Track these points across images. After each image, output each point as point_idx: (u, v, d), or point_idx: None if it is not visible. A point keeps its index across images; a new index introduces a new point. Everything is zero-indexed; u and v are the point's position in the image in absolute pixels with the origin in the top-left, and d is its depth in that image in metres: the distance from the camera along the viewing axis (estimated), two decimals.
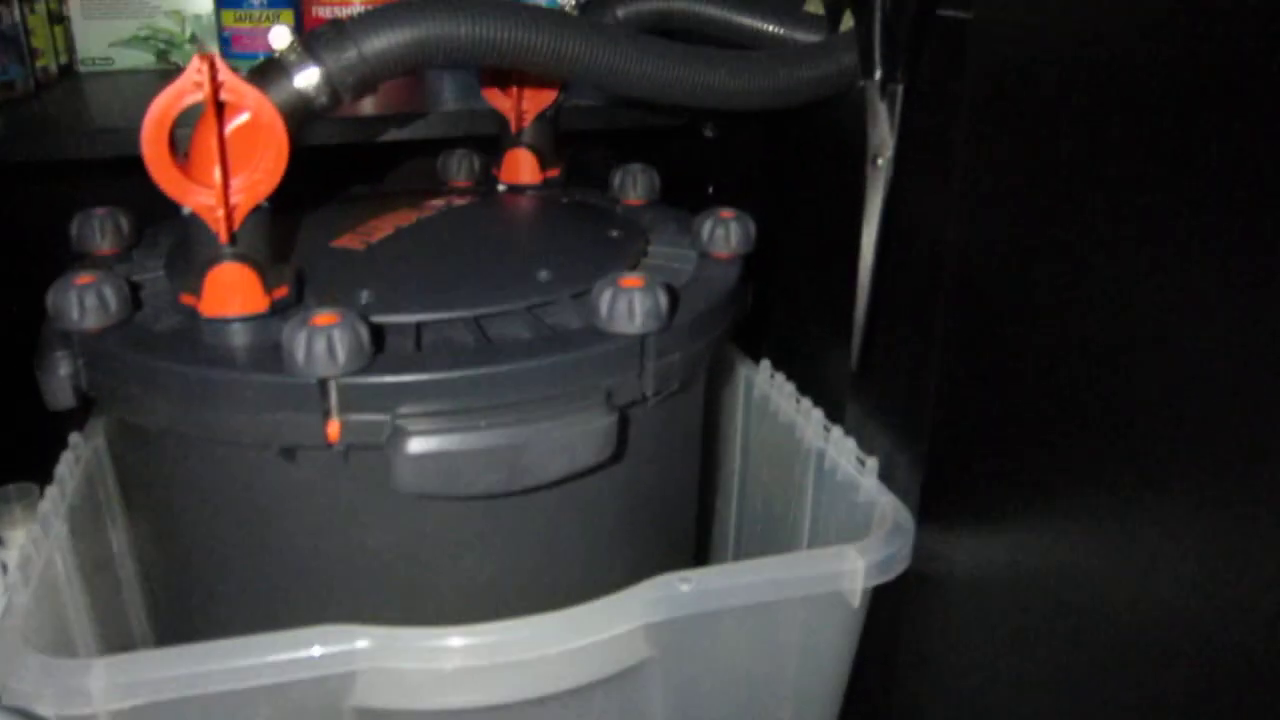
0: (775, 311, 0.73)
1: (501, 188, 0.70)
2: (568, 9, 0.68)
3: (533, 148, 0.68)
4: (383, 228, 0.58)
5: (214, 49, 0.94)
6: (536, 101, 0.67)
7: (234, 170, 0.45)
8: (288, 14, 0.90)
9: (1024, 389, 0.45)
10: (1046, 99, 0.42)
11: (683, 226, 0.64)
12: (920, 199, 0.53)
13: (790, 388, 0.68)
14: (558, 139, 0.70)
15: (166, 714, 0.45)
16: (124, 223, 0.60)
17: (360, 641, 0.46)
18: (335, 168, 0.71)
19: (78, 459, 0.60)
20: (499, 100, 0.67)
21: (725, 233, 0.59)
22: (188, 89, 0.43)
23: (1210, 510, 0.35)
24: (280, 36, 0.46)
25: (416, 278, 0.53)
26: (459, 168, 0.73)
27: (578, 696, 0.51)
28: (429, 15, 0.47)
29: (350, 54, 0.46)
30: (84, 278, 0.49)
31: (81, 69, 0.94)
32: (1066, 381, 0.42)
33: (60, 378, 0.50)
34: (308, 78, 0.46)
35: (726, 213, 0.60)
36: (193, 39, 0.95)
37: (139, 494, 0.56)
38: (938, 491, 0.54)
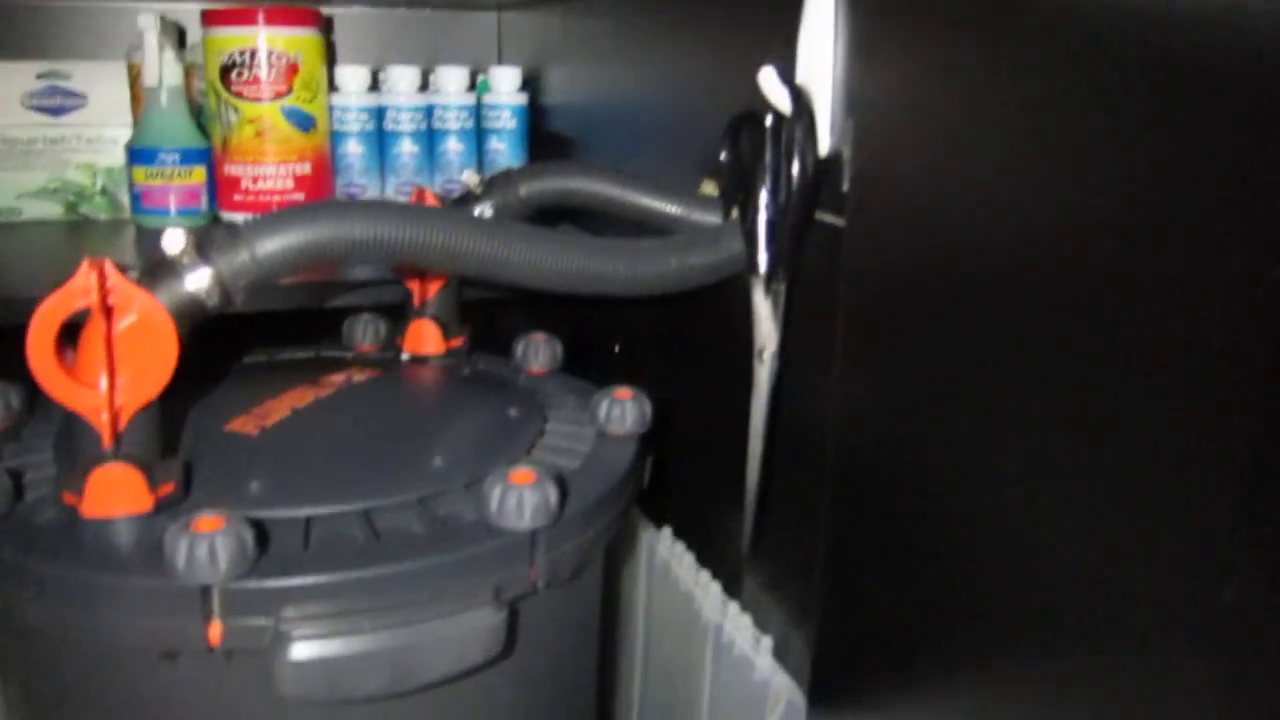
0: (676, 477, 0.75)
1: (405, 357, 0.70)
2: (473, 186, 0.70)
3: (436, 319, 0.69)
4: (279, 409, 0.58)
5: (125, 200, 0.94)
6: (439, 275, 0.69)
7: (121, 371, 0.45)
8: (200, 170, 0.91)
9: (904, 574, 0.46)
10: (912, 298, 0.44)
11: (582, 400, 0.65)
12: (805, 389, 0.55)
13: (690, 558, 0.68)
14: (461, 307, 0.72)
15: None
16: (14, 399, 0.60)
17: None
18: (233, 330, 0.72)
19: None
20: (403, 273, 0.68)
21: (621, 413, 0.60)
22: (76, 295, 0.43)
23: (1092, 693, 0.36)
24: (173, 239, 0.47)
25: (308, 467, 0.53)
26: (364, 333, 0.73)
27: None
28: (322, 219, 0.48)
29: (243, 257, 0.47)
30: None
31: None
32: (941, 569, 0.43)
33: None
34: (199, 280, 0.47)
35: (622, 392, 0.61)
36: (103, 191, 0.95)
37: (14, 688, 0.54)
38: (826, 673, 0.55)
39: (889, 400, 0.47)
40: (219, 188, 0.92)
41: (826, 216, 0.52)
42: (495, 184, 0.70)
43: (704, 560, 0.68)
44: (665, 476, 0.74)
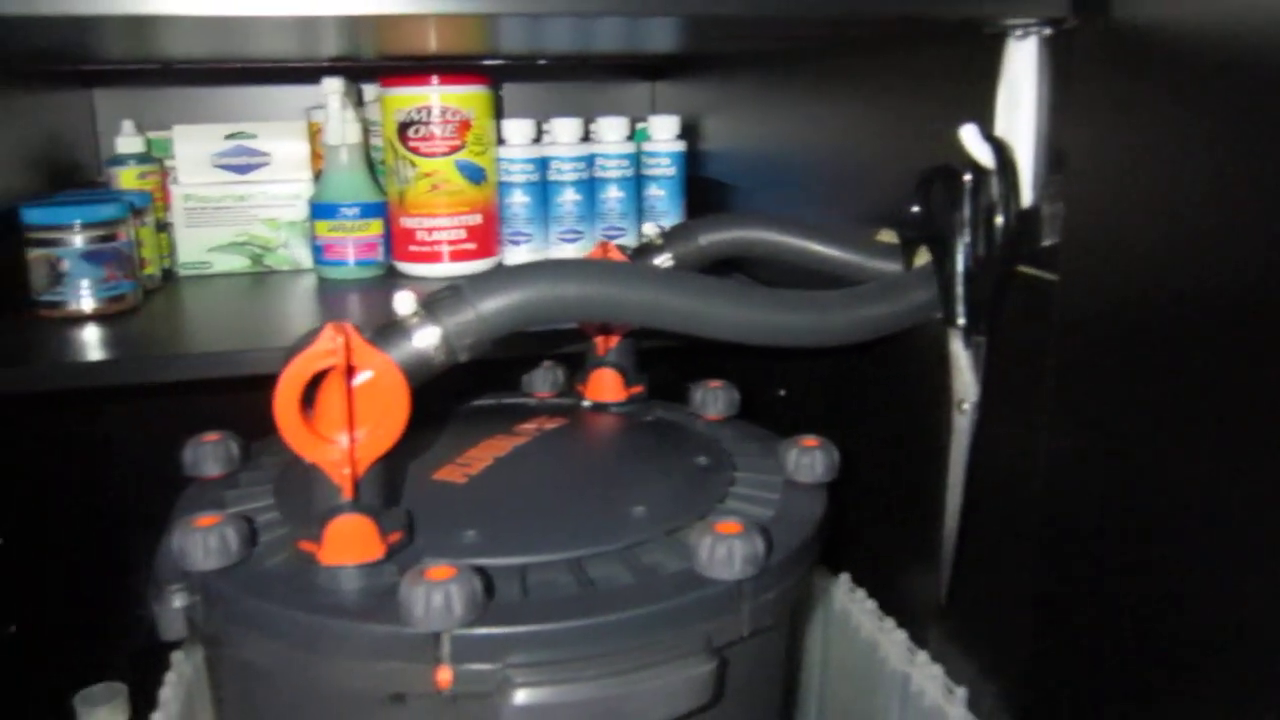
0: (854, 526, 0.75)
1: (586, 404, 0.72)
2: (653, 237, 0.71)
3: (617, 367, 0.71)
4: (481, 458, 0.60)
5: (305, 253, 0.99)
6: (621, 325, 0.70)
7: (358, 426, 0.48)
8: (377, 223, 0.96)
9: (1120, 628, 0.46)
10: (1129, 349, 0.44)
11: (764, 448, 0.65)
12: (1005, 439, 0.54)
13: (872, 605, 0.68)
14: (639, 356, 0.73)
15: None
16: (233, 448, 0.64)
17: None
18: None
19: (180, 679, 0.61)
20: (587, 325, 0.70)
21: (811, 462, 0.61)
22: (322, 355, 0.46)
23: None
24: (404, 301, 0.49)
25: (517, 516, 0.55)
26: (544, 381, 0.76)
27: None
28: (538, 280, 0.50)
29: (468, 316, 0.49)
30: (206, 519, 0.51)
31: (181, 273, 0.99)
32: (1161, 623, 0.43)
33: (175, 610, 0.52)
34: (427, 338, 0.49)
35: (810, 441, 0.62)
36: (286, 245, 1.00)
37: None
38: None
39: (1104, 450, 0.47)
40: (394, 239, 0.96)
41: (1030, 270, 0.52)
42: (675, 234, 0.71)
43: (886, 608, 0.68)
44: (841, 524, 0.74)
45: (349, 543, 0.49)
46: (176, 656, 0.63)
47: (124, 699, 0.78)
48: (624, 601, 0.49)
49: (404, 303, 0.49)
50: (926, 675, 0.62)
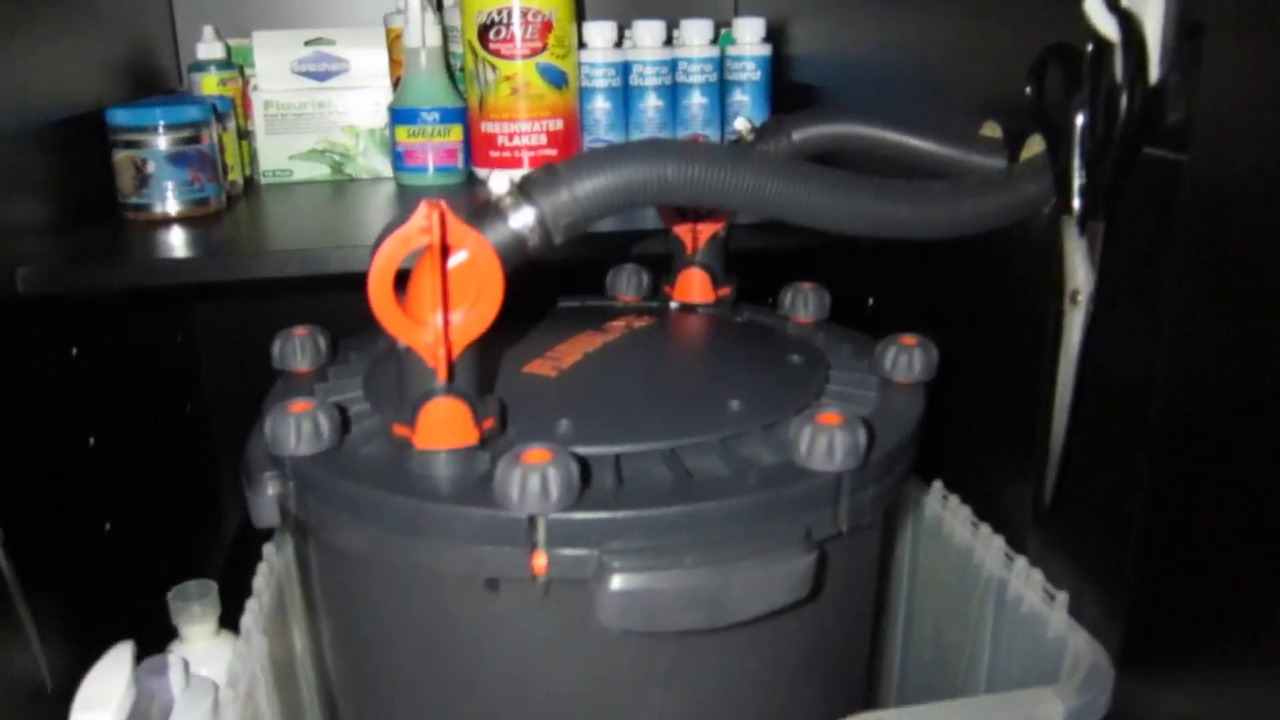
0: (946, 432, 0.73)
1: (674, 305, 0.71)
2: (744, 133, 0.69)
3: (706, 268, 0.70)
4: (571, 353, 0.59)
5: (384, 160, 0.98)
6: (711, 224, 0.69)
7: (452, 308, 0.47)
8: (457, 129, 0.94)
9: (1245, 537, 0.43)
10: (1275, 239, 0.41)
11: (858, 349, 0.64)
12: (1122, 336, 0.52)
13: (966, 512, 0.67)
14: (728, 258, 0.72)
15: None
16: (322, 342, 0.63)
17: None
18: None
19: (271, 570, 0.62)
20: (676, 224, 0.69)
21: (909, 360, 0.59)
22: (414, 235, 0.45)
23: None
24: (500, 182, 0.48)
25: (610, 407, 0.54)
26: (628, 284, 0.74)
27: None
28: (636, 160, 0.48)
29: (563, 197, 0.48)
30: (299, 405, 0.51)
31: (262, 180, 0.99)
32: None
33: (268, 498, 0.53)
34: (523, 219, 0.48)
35: (908, 339, 0.60)
36: (365, 152, 1.00)
37: (334, 611, 0.58)
38: (1141, 636, 0.52)
39: (1235, 343, 0.44)
40: (474, 145, 0.95)
41: (1157, 151, 0.49)
42: (767, 130, 0.69)
43: (980, 516, 0.66)
44: (932, 430, 0.72)
45: (443, 427, 0.48)
46: (267, 549, 0.63)
47: (215, 595, 0.79)
48: (722, 491, 0.47)
49: (499, 183, 0.48)
50: (1025, 581, 0.60)
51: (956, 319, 0.72)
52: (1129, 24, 0.48)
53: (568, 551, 0.46)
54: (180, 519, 1.03)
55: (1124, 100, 0.48)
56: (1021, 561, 0.61)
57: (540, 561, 0.46)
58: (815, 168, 0.53)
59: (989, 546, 0.63)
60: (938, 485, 0.70)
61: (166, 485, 1.00)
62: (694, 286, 0.70)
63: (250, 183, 0.99)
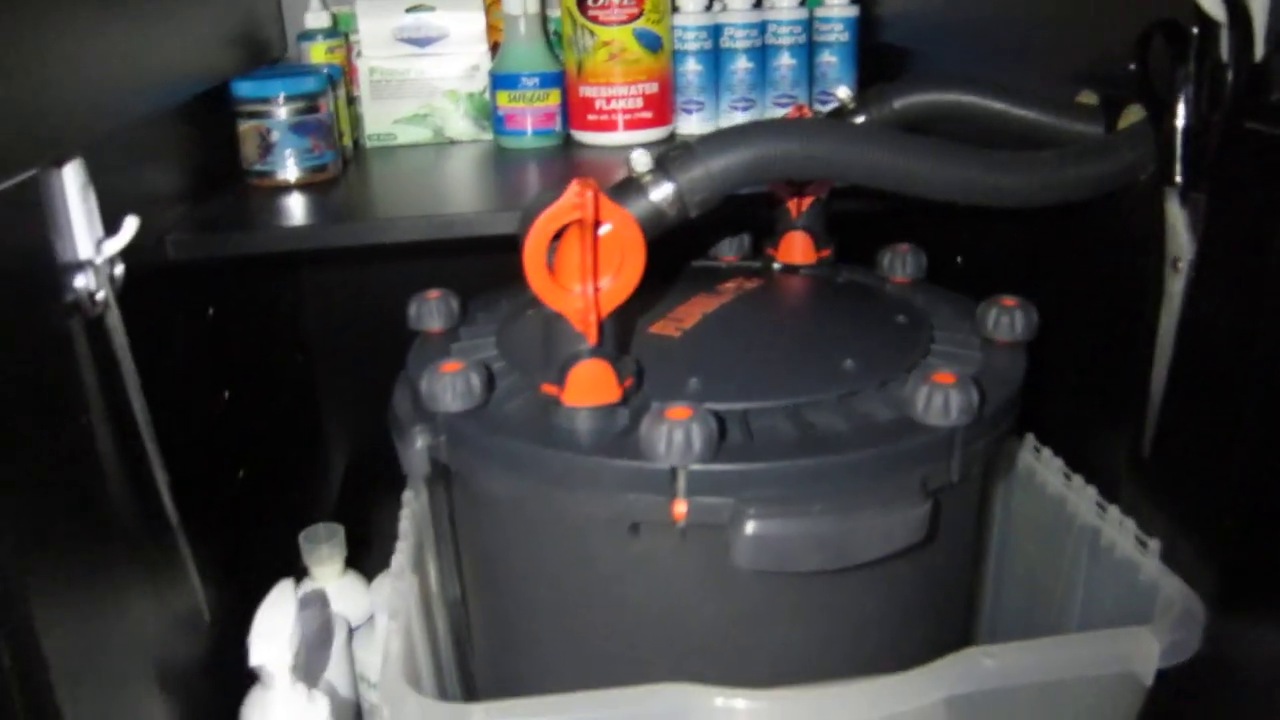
0: (1038, 389, 0.76)
1: (777, 266, 0.74)
2: (846, 101, 0.72)
3: (809, 230, 0.73)
4: (691, 314, 0.63)
5: (483, 124, 1.02)
6: (815, 189, 0.72)
7: (598, 277, 0.51)
8: (555, 93, 0.98)
9: None
10: None
11: (958, 310, 0.67)
12: (1225, 299, 0.55)
13: (1059, 464, 0.70)
14: (828, 221, 0.75)
15: None
16: (454, 304, 0.68)
17: (689, 700, 0.50)
18: None
19: (413, 515, 0.67)
20: (781, 188, 0.72)
21: (1010, 321, 0.62)
22: (567, 210, 0.49)
23: None
24: (640, 159, 0.52)
25: (734, 366, 0.58)
26: (730, 246, 0.78)
27: None
28: (766, 139, 0.52)
29: (699, 172, 0.52)
30: (451, 366, 0.56)
31: (367, 144, 1.04)
32: None
33: (419, 450, 0.57)
34: (662, 193, 0.52)
35: (1009, 300, 0.63)
36: (465, 115, 1.04)
37: (478, 554, 0.63)
38: (1236, 581, 0.56)
39: None
40: (572, 109, 0.98)
41: (1259, 126, 0.52)
42: (869, 98, 0.72)
43: (1075, 466, 0.69)
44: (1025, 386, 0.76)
45: (590, 386, 0.52)
46: (407, 496, 0.69)
47: (341, 537, 0.85)
48: (845, 444, 0.52)
49: (640, 161, 0.52)
50: (1118, 528, 0.63)
51: (1046, 278, 0.75)
52: (1236, 6, 0.51)
53: (705, 499, 0.50)
54: (296, 468, 1.10)
55: (1230, 77, 0.51)
56: (1114, 510, 0.64)
57: (680, 509, 0.51)
58: (927, 141, 0.57)
59: (1082, 496, 0.66)
60: (1030, 438, 0.73)
61: (285, 436, 1.06)
62: (797, 248, 0.73)
63: (356, 147, 1.03)
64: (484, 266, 0.87)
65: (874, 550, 0.51)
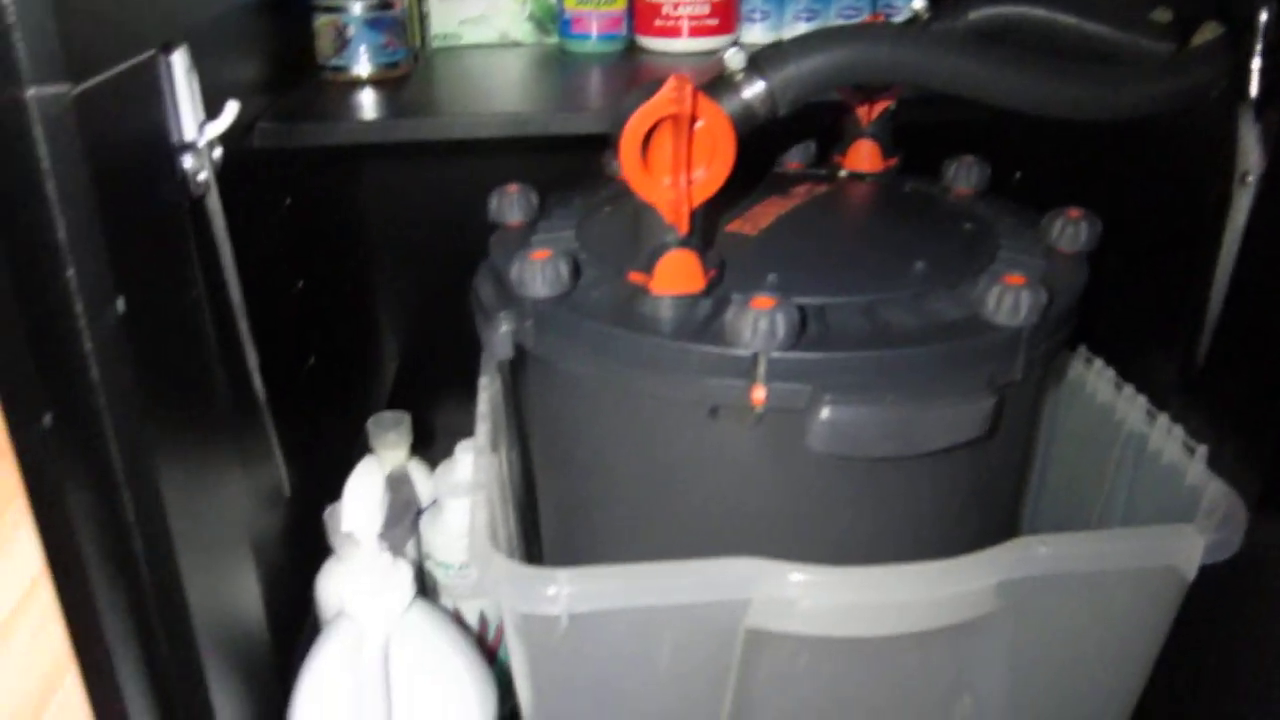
0: (1091, 299, 0.78)
1: (843, 174, 0.76)
2: (920, 11, 0.73)
3: (876, 138, 0.75)
4: (766, 215, 0.66)
5: (547, 28, 1.04)
6: (884, 99, 0.74)
7: (690, 170, 0.53)
8: None
9: None
10: None
11: (1022, 221, 0.69)
12: None
13: (1111, 372, 0.72)
14: (895, 131, 0.77)
15: (607, 621, 0.54)
16: (533, 199, 0.70)
17: (761, 573, 0.54)
18: None
19: (490, 397, 0.70)
20: (851, 96, 0.74)
21: (1075, 231, 0.64)
22: (664, 105, 0.51)
23: None
24: (735, 57, 0.54)
25: (810, 263, 0.61)
26: (798, 153, 0.80)
27: (934, 638, 0.58)
28: (856, 41, 0.54)
29: (790, 72, 0.54)
30: (539, 253, 0.58)
31: (433, 44, 1.05)
32: None
33: (504, 334, 0.60)
34: (754, 91, 0.54)
35: (1075, 212, 0.65)
36: (530, 18, 1.05)
37: (550, 434, 0.66)
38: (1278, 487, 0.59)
39: None
40: (637, 14, 0.99)
41: None
42: (942, 9, 0.73)
43: (1124, 378, 0.72)
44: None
45: (677, 275, 0.55)
46: (482, 381, 0.72)
47: (408, 424, 0.89)
48: (918, 339, 0.54)
49: (735, 59, 0.54)
50: (1166, 435, 0.66)
51: (1103, 192, 0.77)
52: None
53: (784, 385, 0.53)
54: (357, 359, 1.13)
55: None
56: (1163, 418, 0.67)
57: (760, 393, 0.53)
58: (1010, 51, 0.58)
59: (1132, 404, 0.69)
60: (1082, 349, 0.76)
61: (349, 327, 1.10)
62: (865, 156, 0.75)
63: (421, 46, 1.04)
64: (549, 166, 0.90)
65: (940, 440, 0.54)
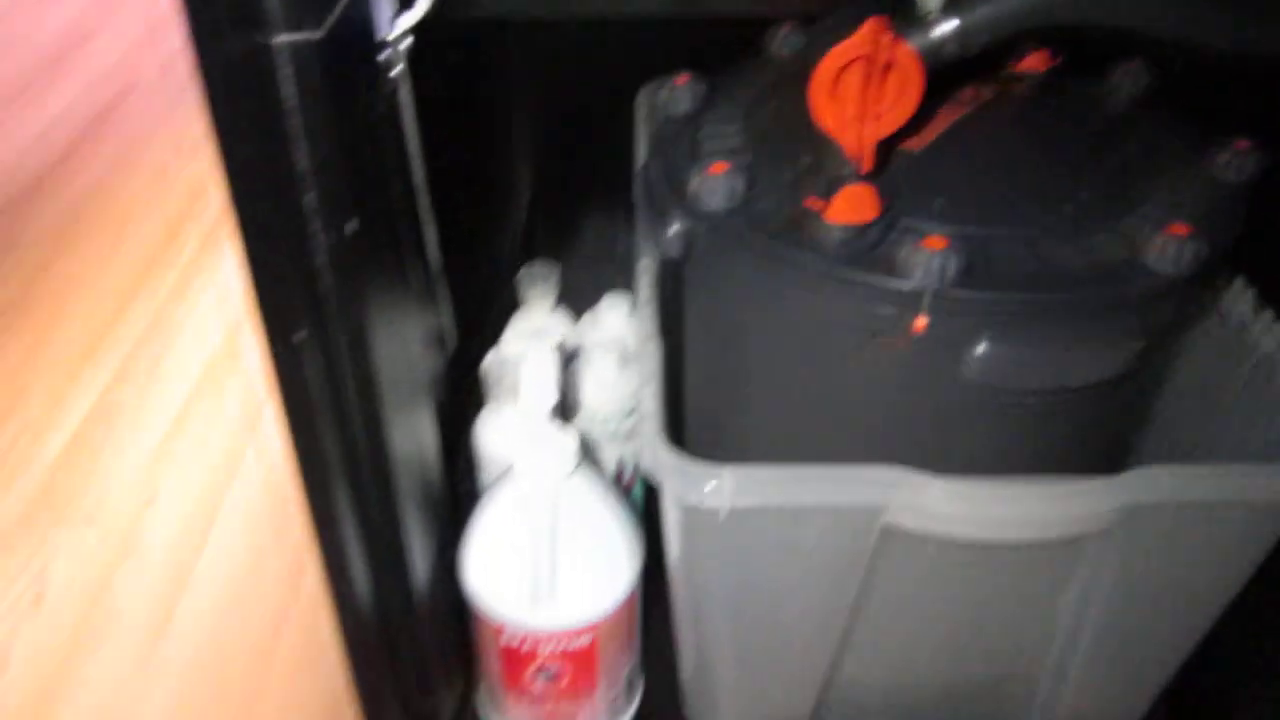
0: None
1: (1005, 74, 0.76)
2: None
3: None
4: (934, 127, 0.67)
5: None
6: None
7: (876, 108, 0.55)
8: None
9: None
10: None
11: (1188, 144, 0.69)
12: None
13: (1251, 293, 0.74)
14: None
15: (763, 517, 0.60)
16: (700, 89, 0.72)
17: (904, 480, 0.59)
18: None
19: (650, 285, 0.74)
20: None
21: (1241, 163, 0.65)
22: (860, 45, 0.53)
23: None
24: None
25: (976, 190, 0.62)
26: None
27: (1050, 548, 0.63)
28: None
29: (986, 13, 0.54)
30: (718, 166, 0.61)
31: None
32: None
33: (675, 233, 0.64)
34: (947, 30, 0.55)
35: (1242, 144, 0.66)
36: None
37: (707, 333, 0.70)
38: None
39: None
40: None
41: None
42: None
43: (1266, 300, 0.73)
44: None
45: (853, 206, 0.58)
46: (644, 263, 0.75)
47: (557, 276, 0.93)
48: (1077, 282, 0.57)
49: None
50: None
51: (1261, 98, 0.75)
52: None
53: (943, 319, 0.57)
54: (497, 210, 1.18)
55: None
56: None
57: (920, 323, 0.57)
58: None
59: (1271, 329, 0.71)
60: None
61: (498, 197, 1.14)
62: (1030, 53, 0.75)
63: None
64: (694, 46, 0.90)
65: (1089, 377, 0.58)
